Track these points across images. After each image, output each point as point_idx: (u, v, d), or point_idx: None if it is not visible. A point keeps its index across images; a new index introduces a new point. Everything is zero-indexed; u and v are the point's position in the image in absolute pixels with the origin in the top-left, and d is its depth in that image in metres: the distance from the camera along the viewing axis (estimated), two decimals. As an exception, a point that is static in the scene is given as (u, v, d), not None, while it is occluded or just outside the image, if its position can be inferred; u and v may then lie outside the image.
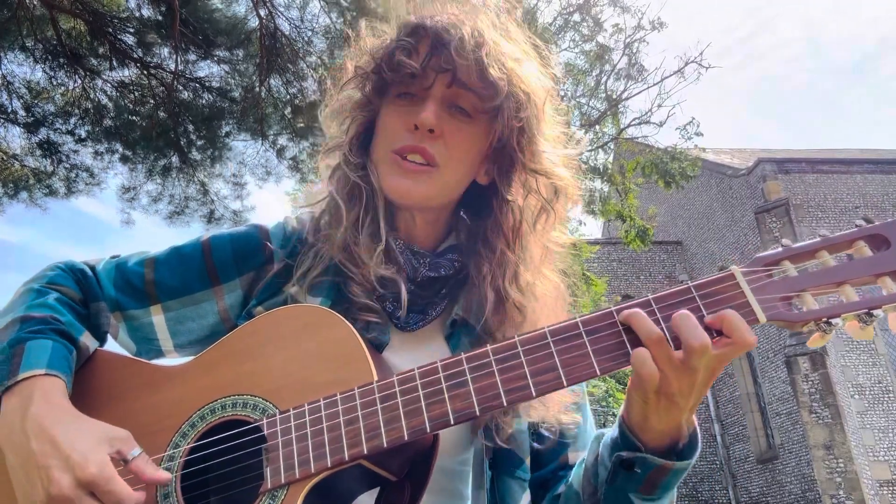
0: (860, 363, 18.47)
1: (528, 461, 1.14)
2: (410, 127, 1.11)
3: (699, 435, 0.97)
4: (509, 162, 1.16)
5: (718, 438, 21.35)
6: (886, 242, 0.88)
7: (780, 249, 0.92)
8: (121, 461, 0.93)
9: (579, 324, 0.91)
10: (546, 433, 1.18)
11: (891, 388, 18.42)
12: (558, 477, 1.17)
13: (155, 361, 1.13)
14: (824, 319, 0.87)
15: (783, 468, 18.98)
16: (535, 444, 1.17)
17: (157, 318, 1.16)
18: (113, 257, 1.23)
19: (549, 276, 1.21)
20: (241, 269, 1.17)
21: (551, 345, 0.90)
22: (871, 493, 16.61)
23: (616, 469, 0.95)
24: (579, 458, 1.18)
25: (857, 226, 0.89)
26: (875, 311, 0.85)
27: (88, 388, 1.05)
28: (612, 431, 1.00)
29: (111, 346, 1.18)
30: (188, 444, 0.98)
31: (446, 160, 1.12)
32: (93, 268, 1.19)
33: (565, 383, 0.88)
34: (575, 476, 1.10)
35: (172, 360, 1.17)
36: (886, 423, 18.04)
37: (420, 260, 1.16)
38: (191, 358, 1.08)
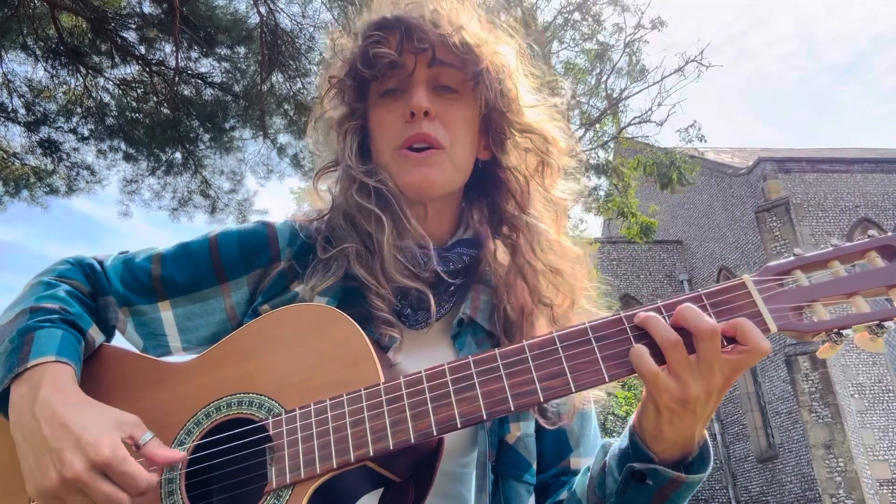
0: (860, 362, 18.47)
1: (535, 465, 1.13)
2: (407, 117, 1.11)
3: (710, 449, 0.96)
4: (499, 128, 1.17)
5: (718, 437, 21.35)
6: None
7: (791, 259, 0.91)
8: (133, 446, 0.93)
9: (588, 329, 0.90)
10: (549, 437, 1.17)
11: (891, 388, 18.43)
12: (560, 483, 1.16)
13: (161, 358, 1.12)
14: (835, 330, 0.86)
15: (783, 467, 18.99)
16: (536, 447, 1.16)
17: (166, 314, 1.16)
18: (121, 253, 1.22)
19: (566, 237, 1.22)
20: (248, 267, 1.16)
21: (560, 350, 0.89)
22: (871, 492, 16.62)
23: (627, 481, 0.94)
24: (582, 463, 1.17)
25: (869, 236, 0.89)
26: (886, 323, 0.85)
27: (94, 382, 1.04)
28: (620, 441, 0.98)
29: (118, 340, 1.18)
30: (193, 441, 0.98)
31: (449, 140, 1.12)
32: (101, 262, 1.19)
33: (573, 389, 0.87)
34: (579, 484, 1.08)
35: (178, 357, 1.17)
36: (886, 423, 18.05)
37: (427, 255, 1.14)
38: (197, 355, 1.08)
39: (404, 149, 1.11)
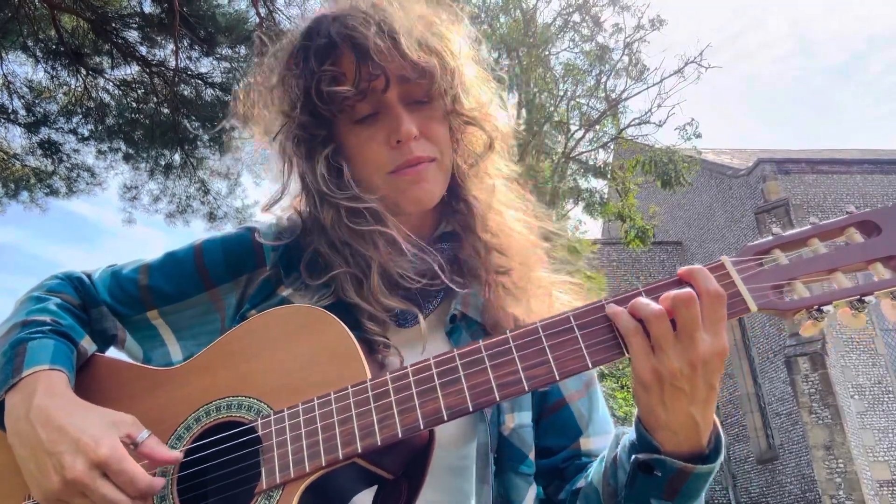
0: (860, 363, 18.46)
1: (531, 455, 1.11)
2: (392, 144, 1.08)
3: (723, 438, 0.93)
4: (459, 119, 1.15)
5: (718, 439, 21.32)
6: (877, 229, 0.88)
7: (770, 238, 0.91)
8: (131, 445, 0.93)
9: (571, 317, 0.91)
10: (556, 422, 1.17)
11: (891, 389, 18.41)
12: (575, 466, 1.15)
13: (152, 365, 1.14)
14: (816, 307, 0.86)
15: (783, 468, 18.97)
16: (543, 433, 1.16)
17: (158, 322, 1.18)
18: (109, 266, 1.23)
19: (509, 211, 1.21)
20: (233, 273, 1.17)
21: (543, 339, 0.90)
22: (871, 493, 16.60)
23: (635, 472, 0.92)
24: (592, 444, 1.16)
25: (847, 213, 0.89)
26: (867, 298, 0.85)
27: (84, 393, 1.03)
28: (630, 434, 0.98)
29: (111, 352, 1.19)
30: (184, 446, 0.99)
31: (438, 151, 1.12)
32: (90, 276, 1.21)
33: (557, 377, 0.88)
34: (595, 473, 1.07)
35: (170, 364, 1.18)
36: (886, 424, 18.03)
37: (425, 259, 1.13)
38: (186, 361, 1.09)
39: (398, 171, 1.09)
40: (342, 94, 1.06)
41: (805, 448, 17.51)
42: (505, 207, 1.21)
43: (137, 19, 8.12)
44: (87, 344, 1.11)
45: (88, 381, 1.08)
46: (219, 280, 1.17)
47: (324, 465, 0.89)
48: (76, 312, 1.13)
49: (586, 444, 1.16)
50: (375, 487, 1.00)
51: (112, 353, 1.18)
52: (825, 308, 0.86)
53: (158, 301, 1.17)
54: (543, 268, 1.20)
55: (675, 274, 0.90)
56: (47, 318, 1.06)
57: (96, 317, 1.16)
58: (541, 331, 0.91)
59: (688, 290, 0.85)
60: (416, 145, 1.09)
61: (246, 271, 1.17)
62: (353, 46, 1.06)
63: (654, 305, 0.86)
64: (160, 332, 1.18)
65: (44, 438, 0.91)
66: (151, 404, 1.04)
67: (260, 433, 0.94)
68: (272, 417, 0.94)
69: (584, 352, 0.88)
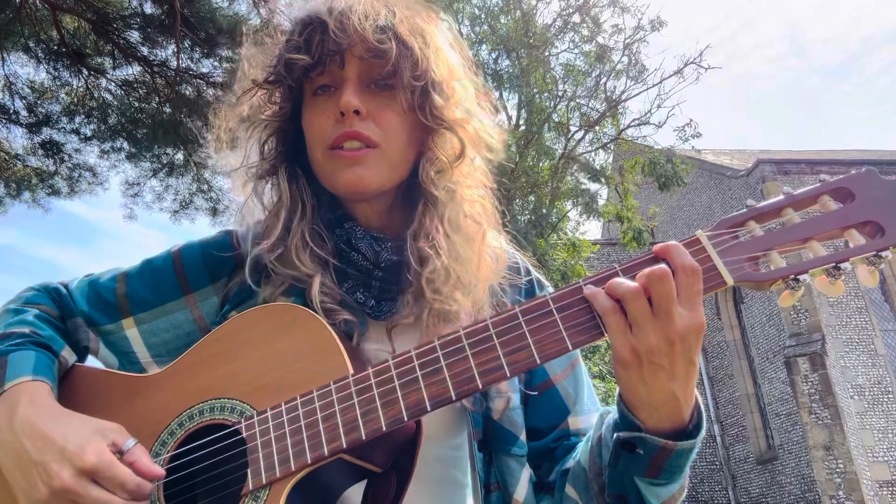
0: (860, 364, 18.43)
1: (523, 437, 1.12)
2: (337, 116, 1.08)
3: (704, 415, 0.93)
4: (428, 119, 1.12)
5: (718, 439, 21.30)
6: (851, 195, 0.88)
7: (744, 210, 0.91)
8: (116, 453, 0.93)
9: (549, 301, 0.91)
10: (543, 403, 1.17)
11: (890, 389, 18.39)
12: (564, 447, 1.15)
13: (133, 373, 1.13)
14: (792, 277, 0.86)
15: (783, 469, 18.94)
16: (532, 414, 1.17)
17: (131, 332, 1.18)
18: (87, 276, 1.25)
19: (466, 227, 1.15)
20: (213, 277, 1.18)
21: (523, 324, 0.90)
22: (871, 493, 16.58)
23: (618, 451, 0.93)
24: (581, 423, 1.17)
25: (820, 181, 0.89)
26: (843, 265, 0.85)
27: (67, 403, 1.03)
28: (614, 412, 0.98)
29: (90, 361, 1.20)
30: (168, 452, 0.99)
31: (383, 138, 1.09)
32: (66, 286, 1.22)
33: (538, 361, 0.88)
34: (582, 453, 1.08)
35: (152, 371, 1.17)
36: (886, 424, 18.00)
37: (382, 244, 1.14)
38: (167, 366, 1.09)
39: (335, 148, 1.08)
40: (300, 62, 1.09)
41: (805, 448, 17.48)
42: (465, 222, 1.15)
43: (139, 20, 8.14)
44: (68, 354, 1.11)
45: (71, 390, 1.09)
46: (197, 285, 1.18)
47: (309, 462, 0.89)
48: (55, 323, 1.14)
49: (575, 423, 1.18)
50: (365, 482, 1.00)
51: (92, 362, 1.19)
52: (802, 277, 0.87)
53: (135, 309, 1.18)
54: (484, 292, 1.14)
55: (651, 251, 0.91)
56: (26, 330, 1.07)
57: (72, 328, 1.17)
58: (520, 315, 0.91)
59: (662, 265, 0.86)
60: (361, 124, 1.08)
61: (226, 274, 1.18)
62: (318, 23, 1.09)
63: (630, 283, 0.87)
64: (131, 341, 1.19)
65: (29, 448, 0.91)
66: (135, 411, 1.04)
67: (244, 434, 0.94)
68: (255, 418, 0.95)
69: (564, 334, 0.88)
